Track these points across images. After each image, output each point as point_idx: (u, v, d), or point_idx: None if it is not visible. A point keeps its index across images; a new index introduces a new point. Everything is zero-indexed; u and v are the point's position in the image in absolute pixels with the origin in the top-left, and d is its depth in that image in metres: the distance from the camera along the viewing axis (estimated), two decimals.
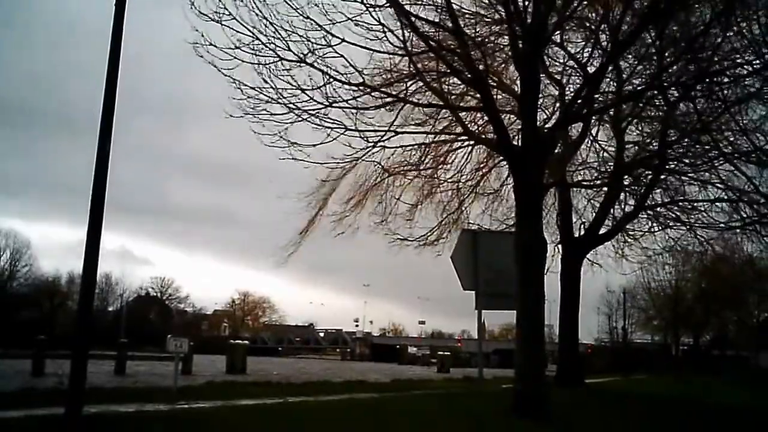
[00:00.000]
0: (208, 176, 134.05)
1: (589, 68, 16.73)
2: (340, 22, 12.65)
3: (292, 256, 20.96)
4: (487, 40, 16.94)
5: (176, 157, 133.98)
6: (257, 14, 12.08)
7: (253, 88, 13.01)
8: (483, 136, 17.99)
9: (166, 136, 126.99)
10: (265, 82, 12.86)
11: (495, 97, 16.13)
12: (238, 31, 12.16)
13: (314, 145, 14.48)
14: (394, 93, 15.17)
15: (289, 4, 12.19)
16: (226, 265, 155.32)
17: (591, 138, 22.21)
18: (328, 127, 14.01)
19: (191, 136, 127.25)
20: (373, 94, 14.47)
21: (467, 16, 16.33)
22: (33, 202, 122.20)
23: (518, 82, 15.46)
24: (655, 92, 17.39)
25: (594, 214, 23.60)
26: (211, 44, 12.17)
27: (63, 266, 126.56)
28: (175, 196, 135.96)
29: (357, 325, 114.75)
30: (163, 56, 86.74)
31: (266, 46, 12.45)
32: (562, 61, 20.23)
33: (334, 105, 13.51)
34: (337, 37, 12.61)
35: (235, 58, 12.36)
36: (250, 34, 12.27)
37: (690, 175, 21.37)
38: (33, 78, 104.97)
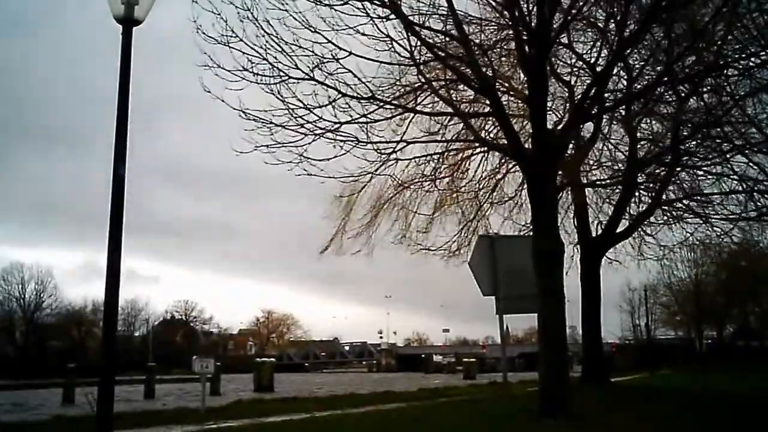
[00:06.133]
0: (204, 188, 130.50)
1: (597, 68, 16.80)
2: (343, 30, 12.60)
3: (313, 270, 21.08)
4: (493, 45, 17.03)
5: (160, 167, 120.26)
6: (264, 32, 12.08)
7: (262, 111, 12.96)
8: (495, 142, 18.00)
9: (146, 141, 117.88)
10: (278, 98, 12.74)
11: (505, 102, 16.20)
12: (245, 53, 12.13)
13: (328, 159, 14.55)
14: (403, 104, 15.28)
15: (295, 19, 12.12)
16: (240, 280, 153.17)
17: (603, 137, 22.19)
18: (341, 140, 14.08)
19: (171, 140, 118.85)
20: (384, 106, 14.54)
21: (472, 23, 16.41)
22: (21, 225, 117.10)
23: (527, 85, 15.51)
24: (665, 88, 17.42)
25: (610, 213, 23.54)
26: (219, 67, 12.09)
27: (73, 292, 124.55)
28: (167, 210, 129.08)
29: (381, 337, 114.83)
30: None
31: (274, 66, 12.41)
32: (570, 62, 20.27)
33: (344, 122, 13.56)
34: (345, 50, 12.62)
35: (243, 79, 12.30)
36: (258, 55, 12.22)
37: (704, 168, 21.30)
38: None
